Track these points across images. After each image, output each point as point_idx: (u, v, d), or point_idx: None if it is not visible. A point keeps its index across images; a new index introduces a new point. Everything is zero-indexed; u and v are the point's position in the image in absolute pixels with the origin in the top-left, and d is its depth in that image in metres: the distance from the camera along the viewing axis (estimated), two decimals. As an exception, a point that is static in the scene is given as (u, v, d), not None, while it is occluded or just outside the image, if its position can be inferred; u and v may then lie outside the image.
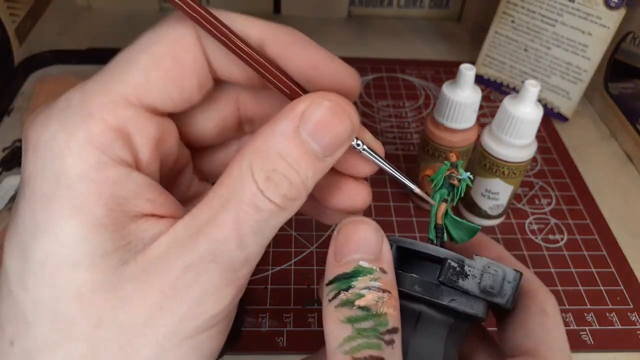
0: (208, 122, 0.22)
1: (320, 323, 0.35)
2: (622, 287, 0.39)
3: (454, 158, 0.24)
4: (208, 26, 0.18)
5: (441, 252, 0.21)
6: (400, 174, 0.22)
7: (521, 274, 0.21)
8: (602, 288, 0.39)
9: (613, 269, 0.40)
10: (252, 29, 0.19)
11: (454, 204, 0.23)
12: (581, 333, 0.36)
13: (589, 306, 0.38)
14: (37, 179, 0.17)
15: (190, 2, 0.18)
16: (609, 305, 0.38)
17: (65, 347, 0.17)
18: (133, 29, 0.62)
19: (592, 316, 0.37)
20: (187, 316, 0.17)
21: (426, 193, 0.23)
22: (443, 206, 0.23)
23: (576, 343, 0.35)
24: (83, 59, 0.55)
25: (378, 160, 0.21)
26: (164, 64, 0.18)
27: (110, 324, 0.17)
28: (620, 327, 0.36)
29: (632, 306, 0.38)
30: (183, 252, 0.17)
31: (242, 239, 0.17)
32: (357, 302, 0.18)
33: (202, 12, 0.18)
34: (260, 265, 0.38)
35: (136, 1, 0.65)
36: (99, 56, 0.55)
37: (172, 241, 0.17)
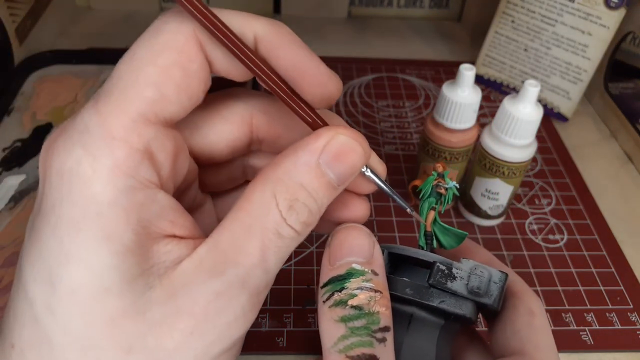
0: (220, 143, 0.22)
1: (318, 319, 0.35)
2: (622, 287, 0.39)
3: (440, 168, 0.25)
4: (228, 43, 0.18)
5: (430, 256, 0.22)
6: (398, 196, 0.23)
7: (507, 274, 0.22)
8: (602, 288, 0.39)
9: (613, 269, 0.40)
10: (247, 28, 0.19)
11: (442, 212, 0.24)
12: (581, 333, 0.36)
13: (589, 306, 0.38)
14: (64, 205, 0.16)
15: (201, 11, 0.18)
16: (609, 305, 0.38)
17: None
18: (133, 29, 0.62)
19: (592, 316, 0.37)
20: (218, 340, 0.18)
21: (415, 204, 0.25)
22: (432, 214, 0.24)
23: (576, 343, 0.35)
24: (83, 59, 0.55)
25: (380, 183, 0.22)
26: (174, 75, 0.18)
27: (141, 349, 0.17)
28: (620, 327, 0.36)
29: (632, 306, 0.38)
30: (211, 277, 0.18)
31: (267, 265, 0.18)
32: (350, 302, 0.19)
33: (217, 23, 0.18)
34: (260, 265, 0.38)
35: (136, 1, 0.65)
36: (99, 56, 0.55)
37: (198, 265, 0.18)
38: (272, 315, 0.35)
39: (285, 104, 0.20)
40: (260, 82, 0.19)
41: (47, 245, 0.17)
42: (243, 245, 0.18)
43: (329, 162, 0.19)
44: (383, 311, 0.19)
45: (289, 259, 0.39)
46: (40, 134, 0.46)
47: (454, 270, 0.21)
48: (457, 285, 0.21)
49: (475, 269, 0.22)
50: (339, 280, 0.20)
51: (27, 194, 0.41)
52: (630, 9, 0.48)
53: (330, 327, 0.19)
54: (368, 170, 0.22)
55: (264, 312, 0.35)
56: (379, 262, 0.21)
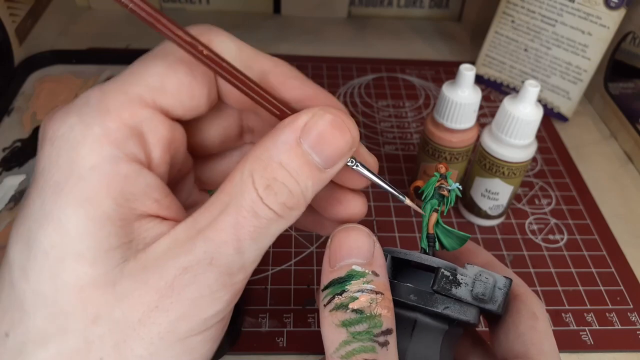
0: (212, 131, 0.22)
1: (320, 323, 0.35)
2: (622, 287, 0.39)
3: (443, 169, 0.24)
4: (214, 67, 0.19)
5: (434, 261, 0.22)
6: (391, 187, 0.22)
7: (511, 280, 0.22)
8: (602, 288, 0.39)
9: (613, 269, 0.40)
10: (254, 62, 0.20)
11: (445, 214, 0.24)
12: (581, 333, 0.36)
13: (589, 306, 0.38)
14: (51, 169, 0.17)
15: (191, 42, 0.18)
16: (609, 305, 0.38)
17: (59, 340, 0.17)
18: (133, 29, 0.62)
19: (592, 316, 0.37)
20: (182, 317, 0.17)
21: (417, 205, 0.24)
22: (434, 216, 0.24)
23: (576, 343, 0.35)
24: (83, 59, 0.55)
25: (371, 175, 0.21)
26: (178, 71, 0.19)
27: (106, 320, 0.17)
28: (620, 327, 0.36)
29: (632, 306, 0.38)
30: (182, 252, 0.17)
31: (240, 244, 0.18)
32: (350, 305, 0.19)
33: (213, 56, 0.18)
34: (260, 266, 0.38)
35: (136, 1, 0.65)
36: (99, 56, 0.55)
37: (172, 242, 0.18)
38: (272, 315, 0.35)
39: (250, 98, 0.20)
40: (226, 82, 0.19)
41: (31, 208, 0.17)
42: (215, 222, 0.17)
43: (312, 142, 0.18)
44: (385, 313, 0.19)
45: (289, 259, 0.39)
46: (40, 134, 0.46)
47: (458, 277, 0.21)
48: (462, 292, 0.21)
49: (480, 275, 0.21)
50: (340, 283, 0.19)
51: (27, 194, 0.41)
52: (630, 9, 0.48)
53: (332, 332, 0.19)
54: (358, 164, 0.21)
55: (264, 312, 0.36)
56: (379, 262, 0.20)
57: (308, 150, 0.18)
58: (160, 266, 0.17)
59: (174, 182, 0.22)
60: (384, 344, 0.19)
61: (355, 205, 0.23)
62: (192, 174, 0.23)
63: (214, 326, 0.18)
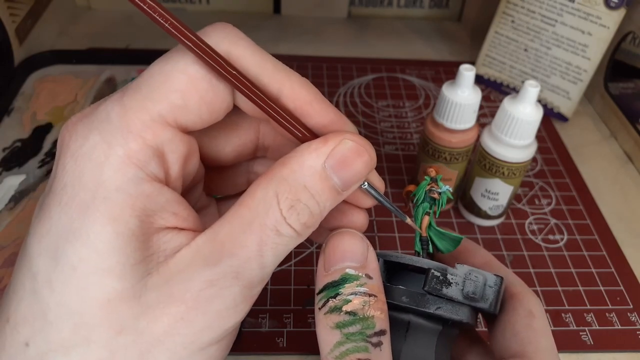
0: (227, 147, 0.23)
1: (315, 326, 0.35)
2: (622, 287, 0.39)
3: (433, 173, 0.25)
4: (238, 85, 0.19)
5: (425, 262, 0.22)
6: (396, 209, 0.23)
7: (502, 278, 0.22)
8: (602, 288, 0.39)
9: (613, 269, 0.40)
10: (272, 79, 0.20)
11: (437, 216, 0.24)
12: (581, 333, 0.36)
13: (589, 306, 0.38)
14: (75, 187, 0.17)
15: (218, 59, 0.18)
16: (609, 305, 0.38)
17: (82, 350, 0.17)
18: (133, 29, 0.62)
19: (592, 316, 0.37)
20: (207, 328, 0.18)
21: (409, 211, 0.25)
22: (426, 219, 0.24)
23: (576, 343, 0.35)
24: (83, 59, 0.55)
25: (378, 196, 0.22)
26: (200, 86, 0.19)
27: (131, 331, 0.17)
28: (620, 327, 0.36)
29: (632, 306, 0.38)
30: (206, 266, 0.18)
31: (263, 260, 0.19)
32: (344, 308, 0.19)
33: (233, 71, 0.19)
34: (260, 266, 0.38)
35: (136, 1, 0.65)
36: (99, 56, 0.55)
37: (195, 254, 0.18)
38: (272, 316, 0.35)
39: (276, 122, 0.20)
40: (252, 102, 0.20)
41: (56, 222, 0.17)
42: (241, 239, 0.18)
43: (334, 166, 0.19)
44: (378, 315, 0.20)
45: (289, 259, 0.39)
46: (40, 134, 0.46)
47: (448, 276, 0.21)
48: (453, 291, 0.21)
49: (470, 274, 0.22)
50: (334, 286, 0.20)
51: (27, 194, 0.41)
52: (630, 9, 0.48)
53: (326, 334, 0.19)
54: (366, 184, 0.22)
55: (264, 312, 0.36)
56: (373, 265, 0.21)
57: (330, 174, 0.19)
58: (184, 278, 0.18)
59: (186, 190, 0.22)
60: (377, 345, 0.19)
61: (358, 219, 0.23)
62: (202, 183, 0.24)
63: (230, 334, 0.19)
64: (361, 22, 0.68)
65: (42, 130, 0.47)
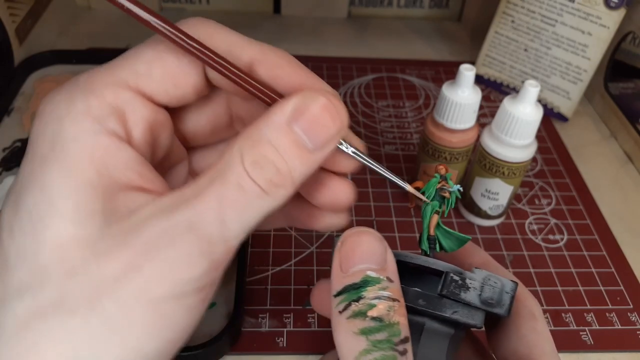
0: (201, 119, 0.23)
1: (320, 323, 0.35)
2: (622, 287, 0.39)
3: (443, 171, 0.24)
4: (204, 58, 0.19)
5: (441, 265, 0.21)
6: (387, 171, 0.23)
7: (517, 284, 0.22)
8: (602, 288, 0.39)
9: (613, 269, 0.40)
10: (243, 51, 0.21)
11: (445, 215, 0.24)
12: (581, 333, 0.36)
13: (589, 306, 0.38)
14: (38, 141, 0.18)
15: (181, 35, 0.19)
16: (609, 305, 0.38)
17: (35, 292, 0.17)
18: (133, 29, 0.62)
19: (592, 316, 0.37)
20: (156, 277, 0.17)
21: (416, 206, 0.24)
22: (435, 218, 0.24)
23: (576, 343, 0.35)
24: (83, 59, 0.55)
25: (369, 162, 0.22)
26: (166, 59, 0.20)
27: (82, 276, 0.17)
28: (620, 327, 0.36)
29: (632, 306, 0.38)
30: (162, 216, 0.18)
31: (222, 215, 0.18)
32: (369, 313, 0.19)
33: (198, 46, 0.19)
34: (261, 266, 0.38)
35: (136, 1, 0.65)
36: (99, 56, 0.55)
37: (156, 209, 0.18)
38: (272, 315, 0.35)
39: (240, 87, 0.20)
40: (217, 72, 0.20)
41: (21, 175, 0.18)
42: (201, 193, 0.18)
43: (302, 123, 0.19)
44: (402, 321, 0.19)
45: (289, 259, 0.39)
46: (40, 134, 0.46)
47: (467, 281, 0.21)
48: (471, 296, 0.21)
49: (489, 280, 0.21)
50: (355, 289, 0.19)
51: (27, 194, 0.41)
52: (630, 9, 0.48)
53: (350, 340, 0.18)
54: (351, 148, 0.21)
55: (264, 312, 0.36)
56: (392, 268, 0.20)
57: (297, 131, 0.19)
58: (139, 228, 0.18)
59: (166, 168, 0.23)
60: (404, 353, 0.18)
61: (342, 190, 0.23)
62: (185, 164, 0.24)
63: (190, 295, 0.18)
64: (361, 22, 0.68)
65: (42, 130, 0.47)
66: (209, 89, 0.22)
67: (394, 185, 0.45)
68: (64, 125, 0.18)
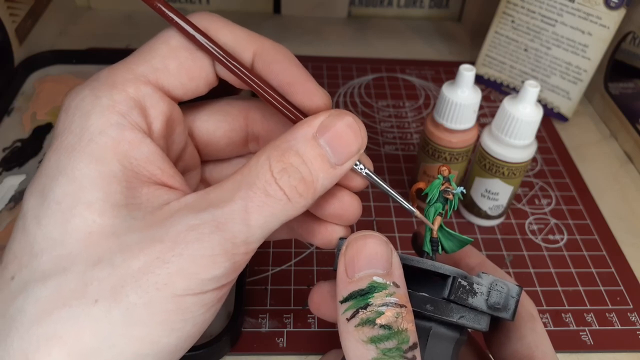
0: (218, 131, 0.24)
1: (320, 324, 0.35)
2: (622, 287, 0.39)
3: (446, 172, 0.24)
4: (224, 60, 0.21)
5: (447, 269, 0.21)
6: (397, 195, 0.23)
7: (522, 288, 0.22)
8: (602, 288, 0.39)
9: (613, 269, 0.40)
10: (247, 45, 0.22)
11: (447, 217, 0.24)
12: (581, 333, 0.36)
13: (589, 306, 0.38)
14: (65, 133, 0.19)
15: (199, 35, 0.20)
16: (609, 305, 0.38)
17: (59, 279, 0.17)
18: (133, 29, 0.62)
19: (592, 316, 0.37)
20: (181, 272, 0.18)
21: (418, 207, 0.24)
22: (438, 220, 0.24)
23: (576, 343, 0.35)
24: (83, 59, 0.55)
25: (381, 184, 0.23)
26: (180, 55, 0.21)
27: (107, 264, 0.17)
28: (620, 327, 0.36)
29: (632, 306, 0.38)
30: (190, 213, 0.18)
31: (248, 218, 0.18)
32: (377, 321, 0.19)
33: (217, 47, 0.21)
34: (261, 266, 0.38)
35: (136, 1, 0.65)
36: (99, 56, 0.55)
37: (182, 206, 0.19)
38: (272, 316, 0.35)
39: (268, 103, 0.21)
40: (244, 84, 0.21)
41: (46, 165, 0.19)
42: (228, 196, 0.19)
43: (328, 138, 0.20)
44: (410, 327, 0.19)
45: (289, 259, 0.39)
46: (40, 134, 0.46)
47: (475, 286, 0.21)
48: (478, 301, 0.21)
49: (496, 285, 0.21)
50: (362, 296, 0.19)
51: (27, 194, 0.41)
52: (630, 9, 0.48)
53: (359, 348, 0.18)
54: (366, 169, 0.22)
55: (264, 312, 0.36)
56: (398, 272, 0.20)
57: (323, 145, 0.20)
58: (167, 224, 0.18)
59: (180, 173, 0.23)
60: (412, 359, 0.18)
61: (352, 205, 0.23)
62: (198, 172, 0.25)
63: (210, 292, 0.19)
64: (361, 22, 0.68)
65: (42, 130, 0.47)
66: (218, 81, 0.22)
67: (393, 186, 0.45)
68: (91, 119, 0.19)
